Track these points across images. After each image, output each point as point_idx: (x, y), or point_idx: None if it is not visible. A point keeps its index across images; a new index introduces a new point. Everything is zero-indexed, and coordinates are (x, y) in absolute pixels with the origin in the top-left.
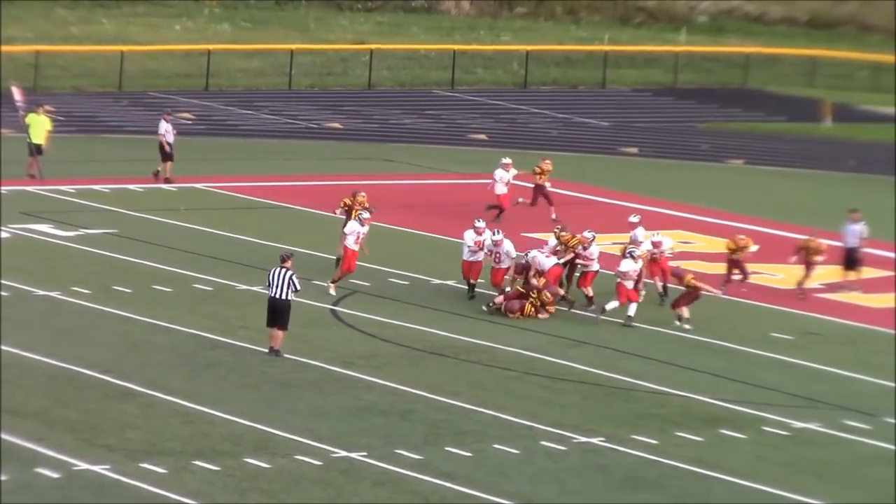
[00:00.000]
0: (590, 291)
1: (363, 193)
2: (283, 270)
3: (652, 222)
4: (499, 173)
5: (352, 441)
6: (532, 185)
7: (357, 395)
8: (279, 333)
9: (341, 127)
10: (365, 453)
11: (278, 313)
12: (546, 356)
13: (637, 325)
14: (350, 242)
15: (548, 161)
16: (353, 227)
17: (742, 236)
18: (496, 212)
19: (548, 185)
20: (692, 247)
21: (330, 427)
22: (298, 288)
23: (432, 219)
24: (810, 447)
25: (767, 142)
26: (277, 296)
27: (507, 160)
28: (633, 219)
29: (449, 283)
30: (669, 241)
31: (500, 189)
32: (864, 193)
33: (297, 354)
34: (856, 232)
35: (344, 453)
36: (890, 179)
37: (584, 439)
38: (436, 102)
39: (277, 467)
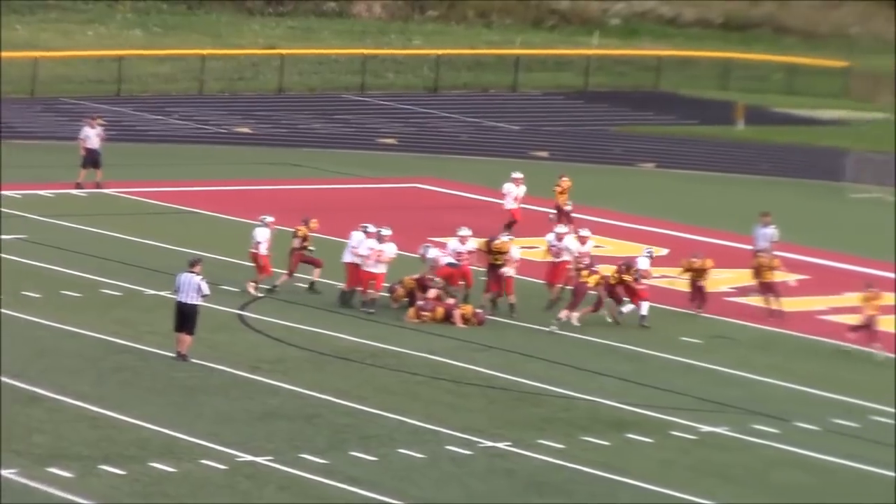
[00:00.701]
0: (513, 299)
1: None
2: (191, 275)
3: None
4: (507, 187)
5: (257, 445)
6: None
7: (263, 400)
8: (186, 338)
9: (251, 131)
10: (270, 458)
11: (186, 318)
12: (453, 361)
13: (544, 328)
14: (263, 249)
15: (565, 178)
16: (263, 234)
17: (695, 259)
18: (510, 224)
19: (568, 206)
20: (603, 251)
21: (235, 431)
22: (206, 293)
23: (340, 223)
24: (718, 451)
25: (679, 145)
26: (185, 300)
27: (518, 174)
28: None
29: (357, 287)
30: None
31: (510, 204)
32: (777, 197)
33: (204, 359)
34: (766, 235)
35: (249, 458)
36: (804, 182)
37: (490, 444)
38: (346, 107)
39: (183, 472)
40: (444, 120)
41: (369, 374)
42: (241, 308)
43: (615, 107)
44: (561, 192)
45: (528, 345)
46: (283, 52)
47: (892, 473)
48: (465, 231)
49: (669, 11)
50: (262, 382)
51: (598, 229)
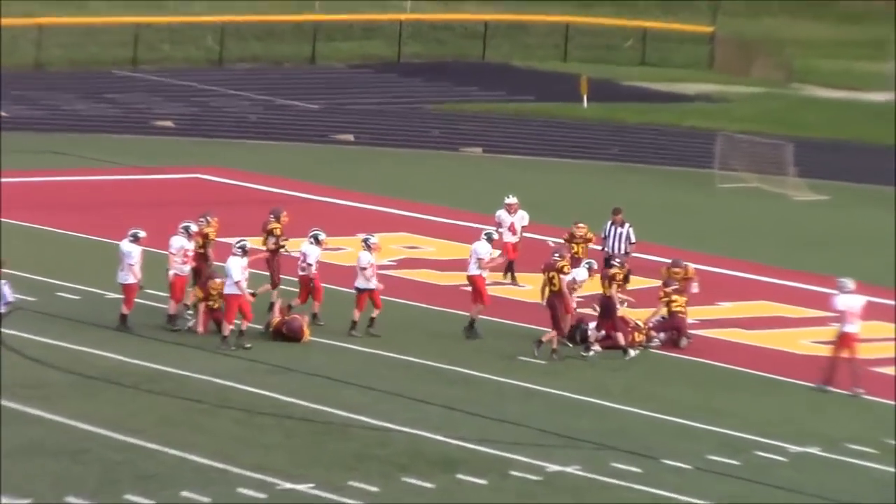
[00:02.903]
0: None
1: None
2: None
3: (371, 223)
4: (500, 216)
5: (14, 486)
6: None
7: (21, 432)
8: None
9: (6, 115)
10: (29, 501)
11: None
12: (243, 385)
13: (355, 347)
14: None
15: (581, 225)
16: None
17: (677, 268)
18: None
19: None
20: (420, 252)
21: None
22: (10, 300)
23: (110, 221)
24: (568, 495)
25: (512, 126)
26: None
27: (512, 199)
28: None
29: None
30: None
31: (507, 237)
32: (631, 187)
33: None
34: (621, 236)
35: (5, 500)
36: (663, 170)
37: (289, 486)
38: (115, 85)
39: None
40: (231, 98)
41: (146, 402)
42: None
43: (433, 81)
44: (581, 241)
45: (334, 366)
46: (42, 20)
47: None
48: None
49: None
50: (18, 412)
51: (416, 227)
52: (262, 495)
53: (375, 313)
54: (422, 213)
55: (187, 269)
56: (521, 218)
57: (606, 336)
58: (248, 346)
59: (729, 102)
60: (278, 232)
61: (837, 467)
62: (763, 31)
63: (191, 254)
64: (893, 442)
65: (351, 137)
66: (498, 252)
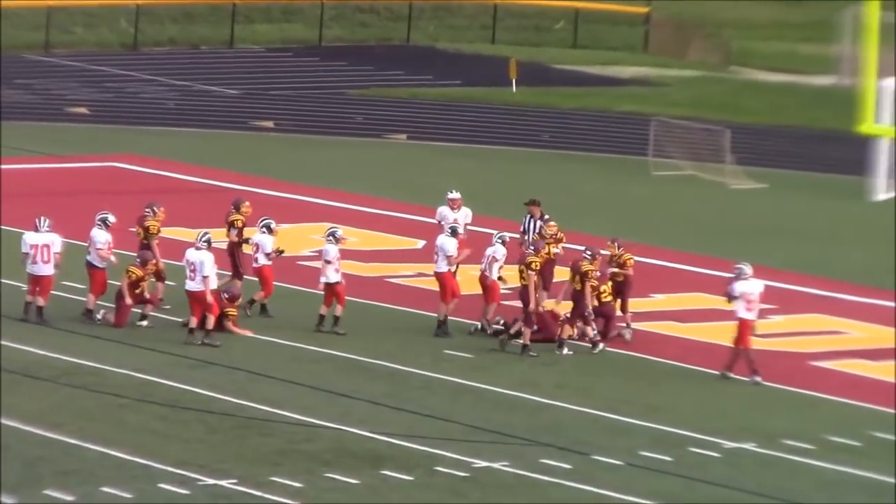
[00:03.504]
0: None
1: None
2: None
3: (293, 213)
4: (442, 212)
5: None
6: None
7: None
8: None
9: None
10: None
11: None
12: (164, 380)
13: (277, 340)
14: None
15: (552, 224)
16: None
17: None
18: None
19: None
20: (343, 243)
21: None
22: None
23: (21, 212)
24: (497, 491)
25: (438, 111)
26: None
27: (455, 195)
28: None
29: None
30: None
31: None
32: (562, 175)
33: None
34: (541, 228)
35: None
36: (595, 157)
37: (211, 481)
38: (26, 70)
39: None
40: (147, 84)
41: (64, 396)
42: None
43: (356, 65)
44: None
45: (256, 360)
46: None
47: None
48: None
49: None
50: None
51: (339, 217)
52: (184, 491)
53: (339, 311)
54: (345, 203)
55: (108, 262)
56: (466, 215)
57: (539, 330)
58: (218, 343)
59: (664, 86)
60: (240, 224)
61: (774, 464)
62: (701, 13)
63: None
64: (832, 438)
65: (271, 124)
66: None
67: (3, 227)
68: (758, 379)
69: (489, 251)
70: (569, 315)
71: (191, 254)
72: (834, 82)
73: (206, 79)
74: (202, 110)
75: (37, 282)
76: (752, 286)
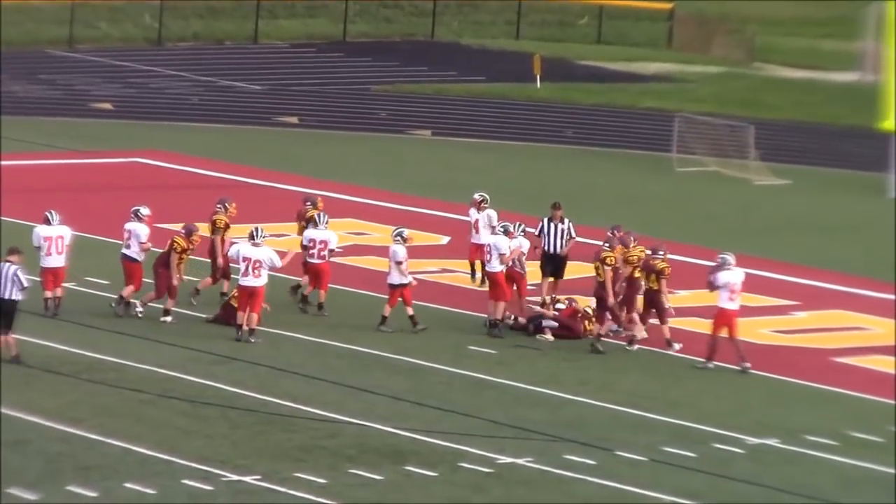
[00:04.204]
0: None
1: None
2: (8, 265)
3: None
4: (471, 213)
5: None
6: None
7: None
8: (10, 340)
9: None
10: None
11: (2, 315)
12: (186, 375)
13: (300, 336)
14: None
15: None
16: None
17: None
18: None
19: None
20: (368, 239)
21: None
22: (26, 285)
23: (40, 207)
24: (521, 488)
25: (462, 107)
26: (3, 295)
27: (478, 195)
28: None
29: (68, 285)
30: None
31: (474, 237)
32: (586, 171)
33: None
34: (562, 232)
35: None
36: (619, 153)
37: (235, 477)
38: (50, 65)
39: None
40: (171, 79)
41: (86, 392)
42: None
43: (380, 61)
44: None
45: (279, 356)
46: None
47: None
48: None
49: None
50: None
51: (363, 213)
52: (207, 487)
53: (410, 311)
54: (369, 199)
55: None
56: (489, 218)
57: (562, 327)
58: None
59: (688, 83)
60: (220, 224)
61: (797, 459)
62: (724, 9)
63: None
64: (853, 434)
65: (295, 120)
66: (527, 243)
67: (27, 222)
68: (747, 366)
69: (492, 241)
70: (594, 310)
71: (249, 250)
72: (856, 79)
73: (231, 74)
74: (226, 106)
75: (52, 274)
76: (734, 276)
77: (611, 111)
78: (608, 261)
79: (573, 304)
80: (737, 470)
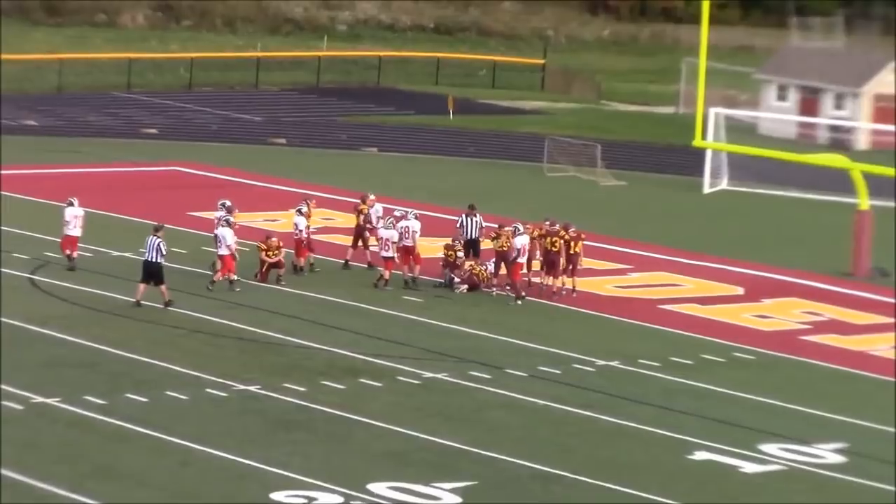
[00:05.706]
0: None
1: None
2: (155, 238)
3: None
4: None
5: (48, 389)
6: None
7: (48, 350)
8: (162, 288)
9: (35, 124)
10: (59, 399)
11: (150, 272)
12: (210, 316)
13: (287, 289)
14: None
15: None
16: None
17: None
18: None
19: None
20: (333, 223)
21: (29, 377)
22: (164, 253)
23: (109, 200)
24: (438, 394)
25: (398, 132)
26: (151, 259)
27: (371, 197)
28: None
29: (126, 254)
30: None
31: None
32: (481, 176)
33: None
34: (476, 224)
35: (41, 399)
36: (505, 163)
37: (242, 387)
38: (114, 103)
39: None
40: (198, 113)
41: (140, 328)
42: (32, 272)
43: (342, 100)
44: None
45: (272, 302)
46: (62, 56)
47: (591, 414)
48: (304, 207)
49: (388, 18)
50: (50, 336)
51: (327, 203)
52: (223, 394)
53: (417, 270)
54: (332, 194)
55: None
56: (378, 211)
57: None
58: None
59: (555, 115)
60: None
61: (632, 376)
62: (580, 63)
63: None
64: (672, 358)
65: (284, 141)
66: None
67: (105, 212)
68: (524, 294)
69: (406, 224)
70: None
71: (385, 232)
72: (674, 111)
73: (239, 109)
74: (236, 131)
75: (72, 240)
76: (522, 240)
77: (500, 134)
78: (504, 240)
79: (472, 267)
80: (589, 382)
